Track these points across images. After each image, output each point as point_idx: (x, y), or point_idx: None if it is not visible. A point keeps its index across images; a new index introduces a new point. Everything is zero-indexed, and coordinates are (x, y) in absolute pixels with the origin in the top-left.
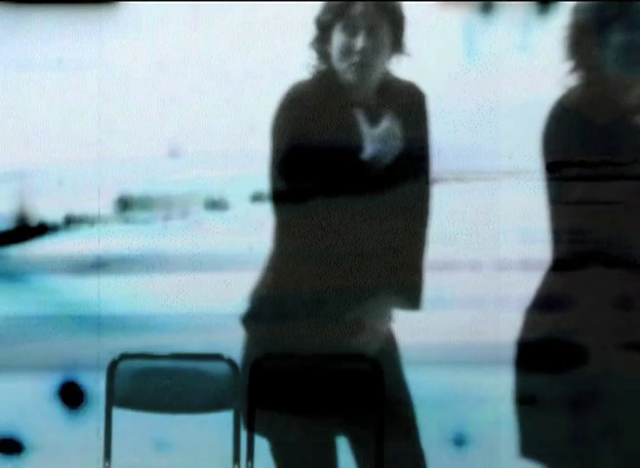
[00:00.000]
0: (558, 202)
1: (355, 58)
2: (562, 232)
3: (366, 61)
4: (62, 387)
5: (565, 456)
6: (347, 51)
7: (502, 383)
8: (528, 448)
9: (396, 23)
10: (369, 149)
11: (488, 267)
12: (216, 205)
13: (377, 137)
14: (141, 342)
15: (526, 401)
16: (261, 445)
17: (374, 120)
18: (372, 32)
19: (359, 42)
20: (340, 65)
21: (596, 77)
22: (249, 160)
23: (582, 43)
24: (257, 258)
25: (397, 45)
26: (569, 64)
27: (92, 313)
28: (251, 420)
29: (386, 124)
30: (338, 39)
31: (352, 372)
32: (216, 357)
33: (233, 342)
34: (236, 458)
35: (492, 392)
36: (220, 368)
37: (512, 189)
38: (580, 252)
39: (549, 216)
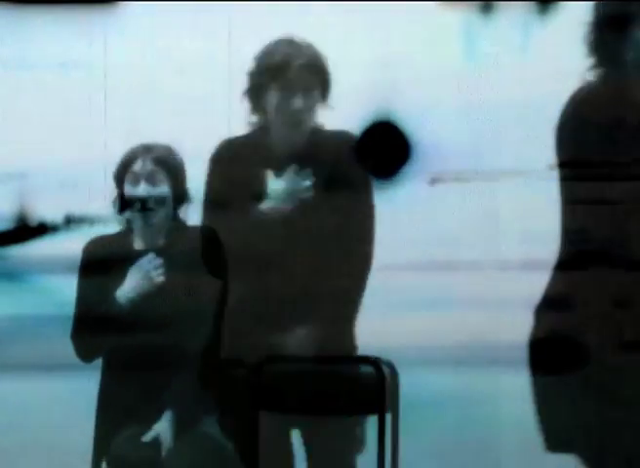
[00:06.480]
0: (572, 201)
1: (292, 117)
2: (567, 232)
3: (301, 120)
4: None
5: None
6: (284, 109)
7: (503, 383)
8: (557, 442)
9: (326, 83)
10: (269, 203)
11: (488, 267)
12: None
13: (279, 191)
14: None
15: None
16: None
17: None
18: (306, 93)
19: (296, 103)
20: (275, 120)
21: (617, 74)
22: None
23: (605, 40)
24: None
25: (325, 100)
26: (589, 61)
27: None
28: (254, 422)
29: (295, 179)
30: (273, 98)
31: (354, 374)
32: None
33: None
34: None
35: (492, 392)
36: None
37: (512, 189)
38: (583, 252)
39: (560, 216)
